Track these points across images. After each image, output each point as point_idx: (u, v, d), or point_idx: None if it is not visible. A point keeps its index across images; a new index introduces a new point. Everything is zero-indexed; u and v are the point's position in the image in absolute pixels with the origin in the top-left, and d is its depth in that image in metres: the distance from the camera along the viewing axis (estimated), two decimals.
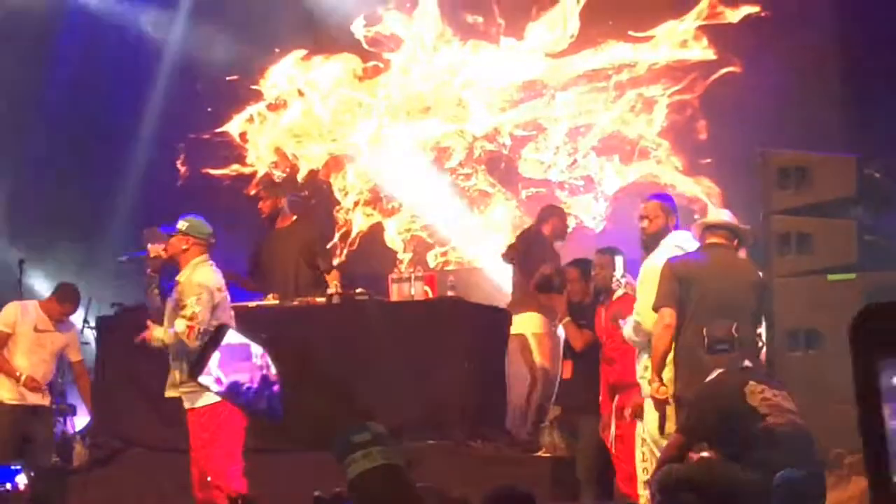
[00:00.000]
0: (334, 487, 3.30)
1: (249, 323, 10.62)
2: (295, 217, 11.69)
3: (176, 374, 8.50)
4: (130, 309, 11.15)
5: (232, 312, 8.73)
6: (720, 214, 9.09)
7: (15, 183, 15.23)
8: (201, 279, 8.36)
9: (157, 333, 8.53)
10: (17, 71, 14.85)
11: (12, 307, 11.12)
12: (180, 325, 8.24)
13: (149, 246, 8.66)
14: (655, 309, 8.34)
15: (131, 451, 10.82)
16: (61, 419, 12.12)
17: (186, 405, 8.52)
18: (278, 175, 14.17)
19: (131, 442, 10.84)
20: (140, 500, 10.53)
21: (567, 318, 10.00)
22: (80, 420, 12.25)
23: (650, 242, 8.77)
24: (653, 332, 8.34)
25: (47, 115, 15.17)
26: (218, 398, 8.95)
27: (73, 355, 11.37)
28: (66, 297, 11.32)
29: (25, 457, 10.73)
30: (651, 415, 8.39)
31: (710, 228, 8.69)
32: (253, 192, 11.49)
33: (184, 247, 8.47)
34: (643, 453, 8.58)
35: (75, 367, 11.42)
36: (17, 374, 10.81)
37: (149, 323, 8.66)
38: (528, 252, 11.29)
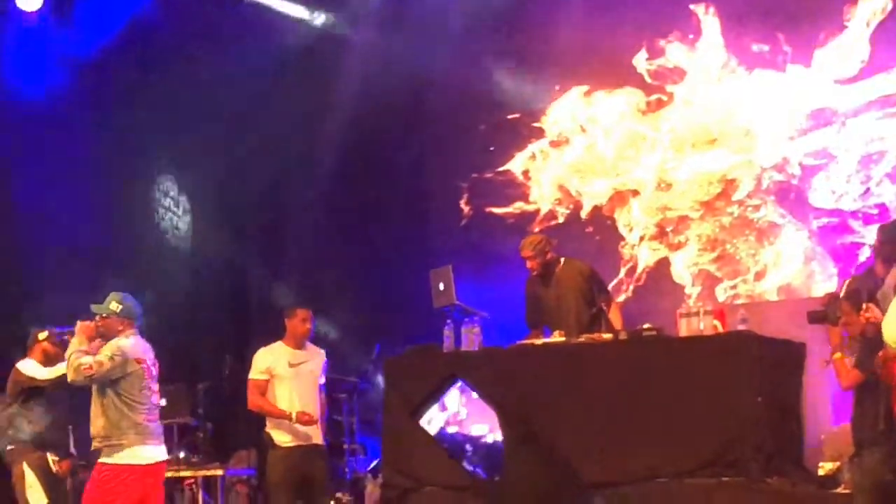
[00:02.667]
0: None
1: (537, 361, 10.59)
2: (563, 259, 11.58)
3: (92, 427, 9.21)
4: (418, 349, 11.22)
5: (154, 386, 9.31)
6: None
7: (296, 227, 15.35)
8: (124, 344, 9.17)
9: (75, 345, 9.24)
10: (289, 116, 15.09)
11: (261, 354, 10.91)
12: (88, 359, 9.04)
13: (78, 322, 9.41)
14: None
15: (423, 490, 10.81)
16: (353, 458, 12.16)
17: (101, 458, 9.14)
18: (562, 212, 14.15)
19: (422, 481, 10.84)
20: None
21: (838, 354, 9.45)
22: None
23: None
24: None
25: (324, 157, 15.29)
26: (126, 461, 9.21)
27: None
28: (298, 309, 11.02)
29: (305, 498, 10.70)
30: None
31: None
32: (524, 256, 11.42)
33: (119, 328, 9.30)
34: None
35: None
36: (288, 413, 10.68)
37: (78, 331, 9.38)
38: None
